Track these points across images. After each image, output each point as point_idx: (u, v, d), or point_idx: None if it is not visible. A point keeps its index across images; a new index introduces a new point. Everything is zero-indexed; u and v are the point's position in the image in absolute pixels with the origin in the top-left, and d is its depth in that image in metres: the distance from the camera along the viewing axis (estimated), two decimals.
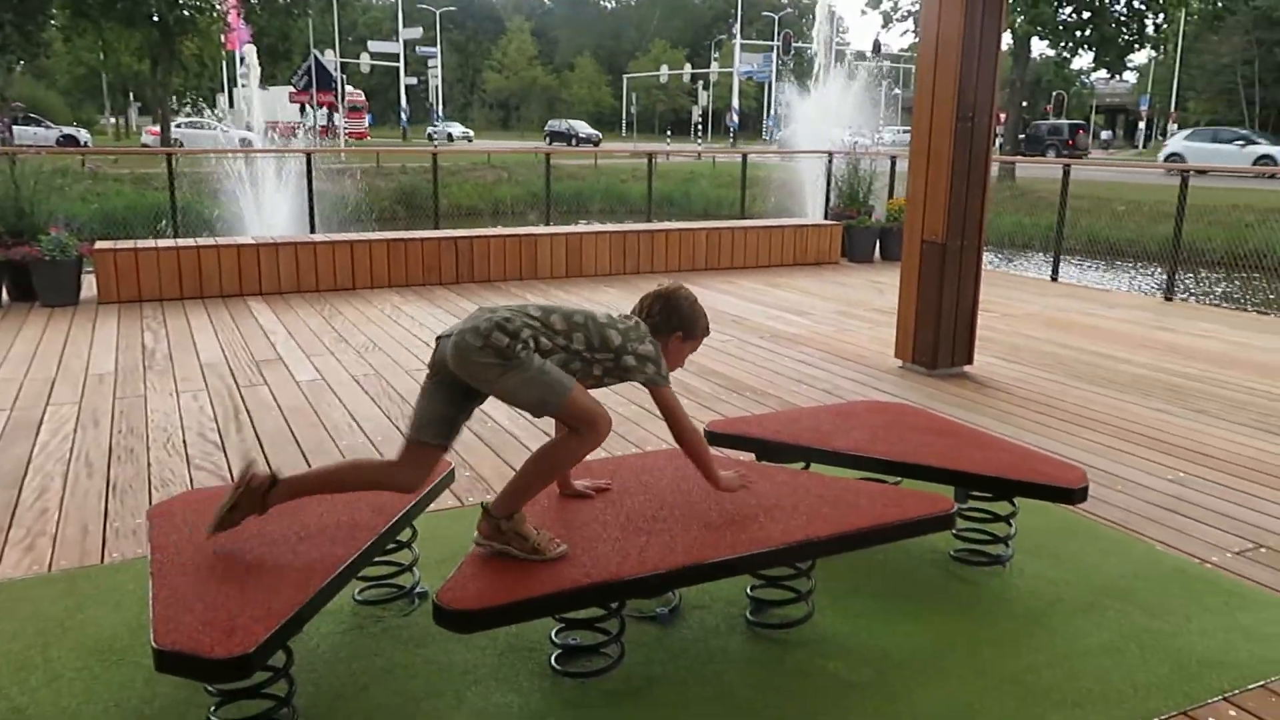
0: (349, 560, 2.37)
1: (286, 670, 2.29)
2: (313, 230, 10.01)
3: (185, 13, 28.86)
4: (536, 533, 2.44)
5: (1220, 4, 34.18)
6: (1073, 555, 3.31)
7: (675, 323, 2.71)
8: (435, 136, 57.48)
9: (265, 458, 4.20)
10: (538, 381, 2.39)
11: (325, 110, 44.64)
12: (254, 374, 5.60)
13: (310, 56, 40.22)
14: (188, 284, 7.91)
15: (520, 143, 54.26)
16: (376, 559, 2.76)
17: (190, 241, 8.25)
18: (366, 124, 58.85)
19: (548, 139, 55.39)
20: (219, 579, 2.26)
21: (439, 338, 2.52)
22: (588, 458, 2.59)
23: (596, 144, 52.29)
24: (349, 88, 62.56)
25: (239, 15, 31.64)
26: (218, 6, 30.07)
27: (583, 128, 57.37)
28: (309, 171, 10.08)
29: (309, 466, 4.08)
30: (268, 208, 12.98)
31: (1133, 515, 3.67)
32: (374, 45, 53.29)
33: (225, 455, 4.23)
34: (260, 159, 13.59)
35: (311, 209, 10.16)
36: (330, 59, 47.25)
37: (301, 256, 8.28)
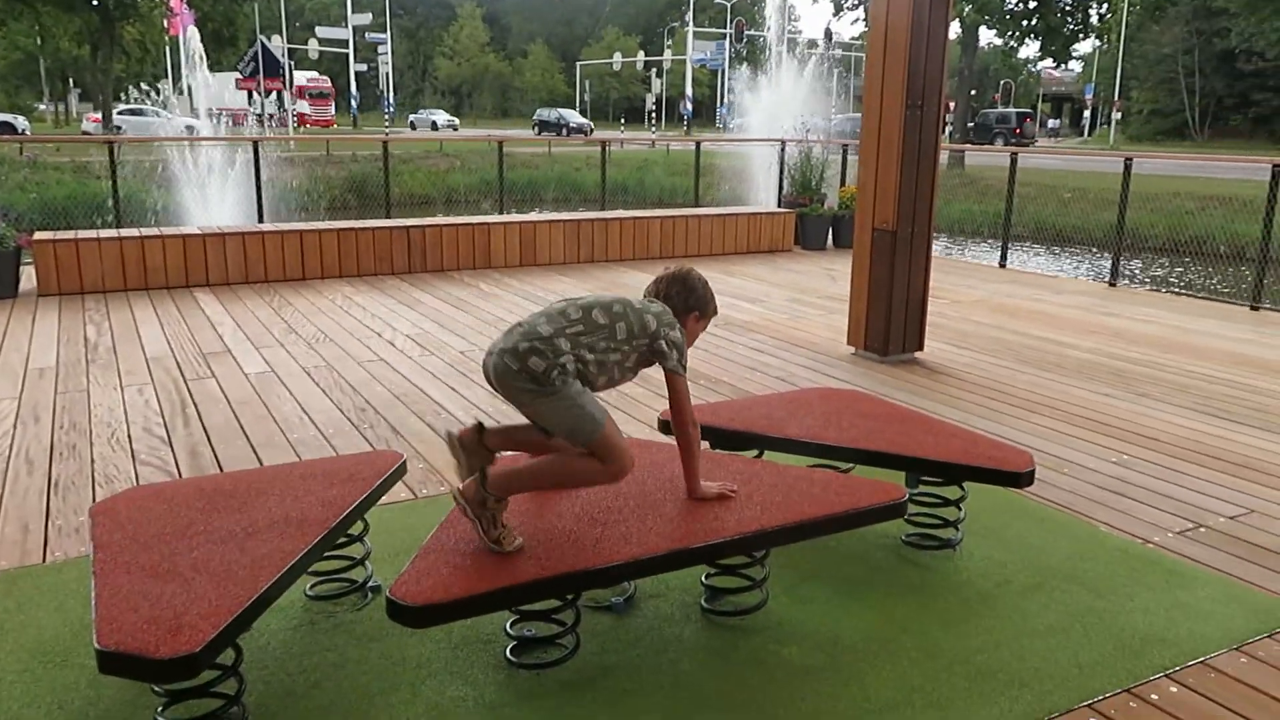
0: (299, 555, 2.34)
1: (235, 668, 2.26)
2: (261, 220, 9.84)
3: None
4: (505, 526, 2.45)
5: None
6: (1020, 537, 3.37)
7: (692, 303, 2.77)
8: (418, 125, 55.76)
9: (213, 451, 4.13)
10: (571, 412, 2.43)
11: (274, 96, 43.90)
12: (201, 367, 5.50)
13: (256, 42, 39.44)
14: (131, 275, 7.73)
15: (512, 131, 52.86)
16: (328, 553, 2.73)
17: (134, 231, 8.06)
18: (333, 111, 57.39)
19: (536, 128, 54.26)
20: (164, 577, 2.22)
21: (486, 354, 2.56)
22: None
23: (588, 133, 51.42)
24: (313, 73, 60.20)
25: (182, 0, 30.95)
26: None
27: (574, 117, 56.23)
28: (256, 160, 9.90)
29: (258, 461, 4.02)
30: (214, 196, 12.74)
31: (1078, 497, 3.75)
32: (322, 31, 52.34)
33: (172, 450, 4.15)
34: (206, 147, 13.34)
35: (260, 198, 9.98)
36: (277, 45, 46.33)
37: (249, 246, 8.14)
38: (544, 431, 2.60)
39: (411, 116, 60.47)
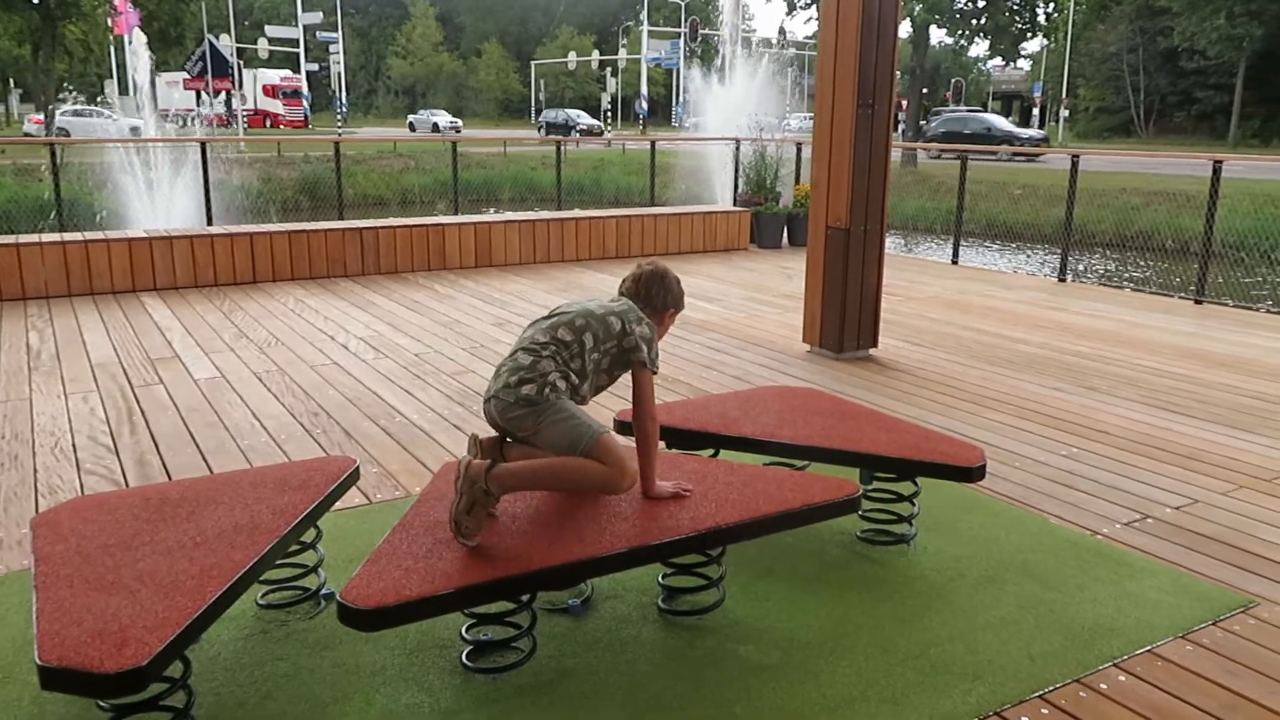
0: (248, 565, 2.30)
1: (184, 681, 2.22)
2: (209, 222, 9.67)
3: None
4: (478, 521, 2.48)
5: None
6: (973, 531, 3.41)
7: (669, 300, 2.92)
8: (418, 126, 53.99)
9: (161, 460, 4.05)
10: (568, 424, 2.56)
11: (223, 96, 43.00)
12: (149, 373, 5.39)
13: (204, 41, 38.77)
14: (76, 280, 7.57)
15: (516, 132, 50.87)
16: (280, 561, 2.69)
17: (78, 236, 7.88)
18: (307, 111, 55.71)
19: (542, 129, 52.73)
20: (109, 590, 2.17)
21: (485, 401, 2.71)
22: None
23: (599, 134, 50.40)
24: (285, 71, 58.28)
25: None
26: None
27: (583, 118, 54.72)
28: (204, 161, 9.74)
29: (209, 469, 3.96)
30: (162, 199, 12.51)
31: (1029, 491, 3.80)
32: (272, 30, 51.48)
33: (118, 458, 4.07)
34: (153, 148, 13.09)
35: (208, 200, 9.82)
36: (226, 44, 45.56)
37: (198, 250, 8.00)
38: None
39: (410, 117, 58.59)
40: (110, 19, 30.63)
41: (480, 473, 2.49)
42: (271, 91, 54.75)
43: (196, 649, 2.59)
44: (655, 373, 2.75)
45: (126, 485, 3.78)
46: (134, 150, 12.88)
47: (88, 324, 6.59)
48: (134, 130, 22.25)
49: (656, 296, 2.88)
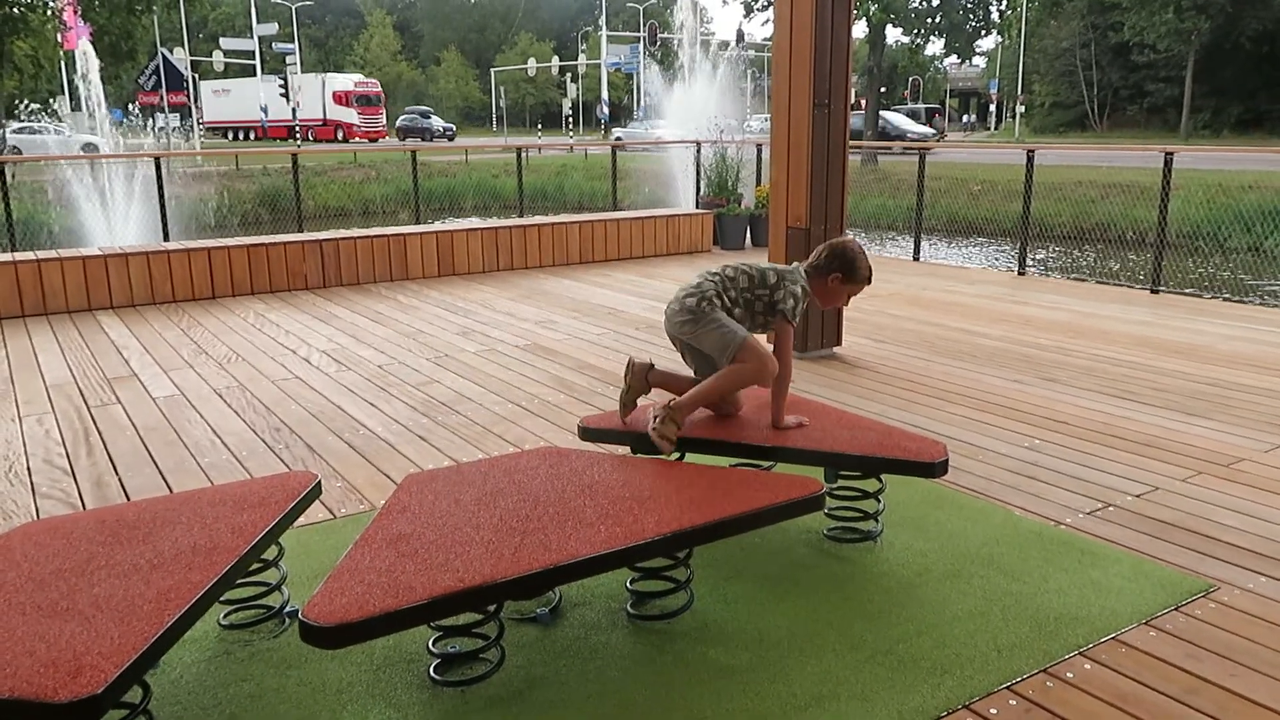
0: (207, 586, 2.26)
1: (144, 707, 2.18)
2: (166, 238, 9.54)
3: (14, 10, 27.03)
4: (674, 434, 3.18)
5: None
6: (938, 526, 3.43)
7: (836, 265, 3.36)
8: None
9: (120, 481, 3.98)
10: (719, 331, 3.23)
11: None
12: (106, 393, 5.30)
13: (158, 55, 38.24)
14: (29, 300, 7.42)
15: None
16: (241, 580, 2.65)
17: (30, 255, 7.74)
18: (384, 121, 50.81)
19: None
20: (63, 616, 2.12)
21: (665, 319, 3.45)
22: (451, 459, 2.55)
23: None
24: (359, 75, 54.10)
25: (75, 12, 29.84)
26: (51, 4, 28.30)
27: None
28: (159, 176, 9.60)
29: (168, 488, 3.89)
30: (118, 215, 12.33)
31: (993, 483, 3.84)
32: (227, 43, 50.92)
33: (75, 481, 3.99)
34: (108, 164, 12.90)
35: (164, 215, 9.69)
36: (180, 57, 44.92)
37: (155, 266, 7.88)
38: (701, 369, 3.38)
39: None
40: (60, 34, 30.11)
41: (642, 371, 3.43)
42: (343, 99, 49.42)
43: (157, 673, 2.54)
44: (793, 324, 3.31)
45: (84, 508, 3.71)
46: (87, 167, 12.70)
47: (42, 345, 6.47)
48: (87, 147, 21.91)
49: (823, 257, 3.36)
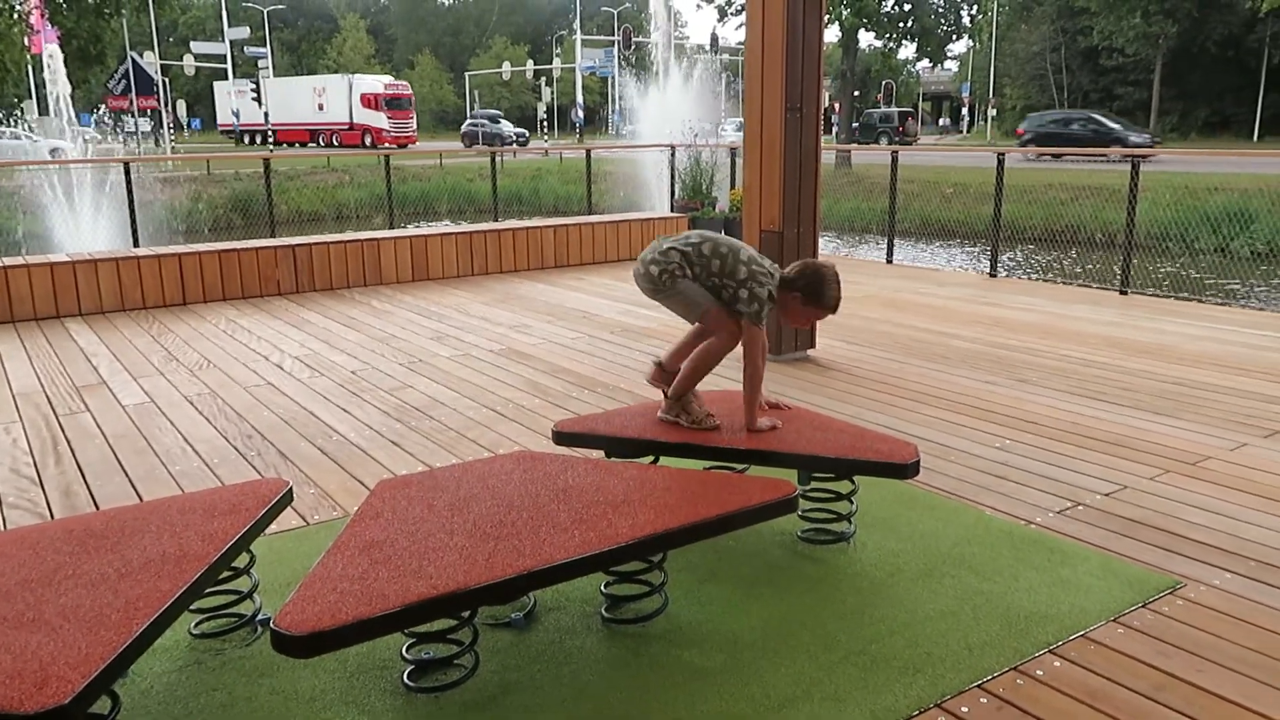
0: (177, 594, 2.24)
1: (113, 717, 2.16)
2: (136, 244, 9.45)
3: None
4: (700, 408, 3.37)
5: None
6: (911, 526, 3.46)
7: (801, 285, 3.34)
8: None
9: (89, 490, 3.93)
10: (681, 301, 3.36)
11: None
12: (74, 401, 5.24)
13: (127, 59, 37.86)
14: None
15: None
16: (213, 589, 2.63)
17: None
18: (415, 125, 48.03)
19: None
20: (29, 627, 2.10)
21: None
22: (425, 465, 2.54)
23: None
24: (387, 78, 50.39)
25: (43, 16, 29.48)
26: (18, 7, 27.93)
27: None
28: (128, 181, 9.51)
29: (138, 497, 3.85)
30: (86, 221, 12.20)
31: (964, 484, 3.87)
32: (198, 46, 50.47)
33: (43, 490, 3.94)
34: (76, 169, 12.77)
35: (134, 221, 9.59)
36: (150, 61, 44.48)
37: (124, 272, 7.80)
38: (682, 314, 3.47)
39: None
40: (27, 38, 29.72)
41: (669, 406, 3.44)
42: (372, 102, 46.59)
43: (126, 683, 2.52)
44: (757, 326, 3.29)
45: (51, 518, 3.66)
46: (55, 172, 12.56)
47: (9, 352, 6.39)
48: (54, 152, 21.65)
49: (795, 274, 3.35)
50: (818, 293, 3.31)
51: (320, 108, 47.08)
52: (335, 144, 46.40)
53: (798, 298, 3.33)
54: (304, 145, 47.57)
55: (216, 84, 55.29)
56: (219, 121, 56.41)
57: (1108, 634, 2.73)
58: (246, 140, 51.44)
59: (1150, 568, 3.13)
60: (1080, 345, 6.23)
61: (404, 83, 49.27)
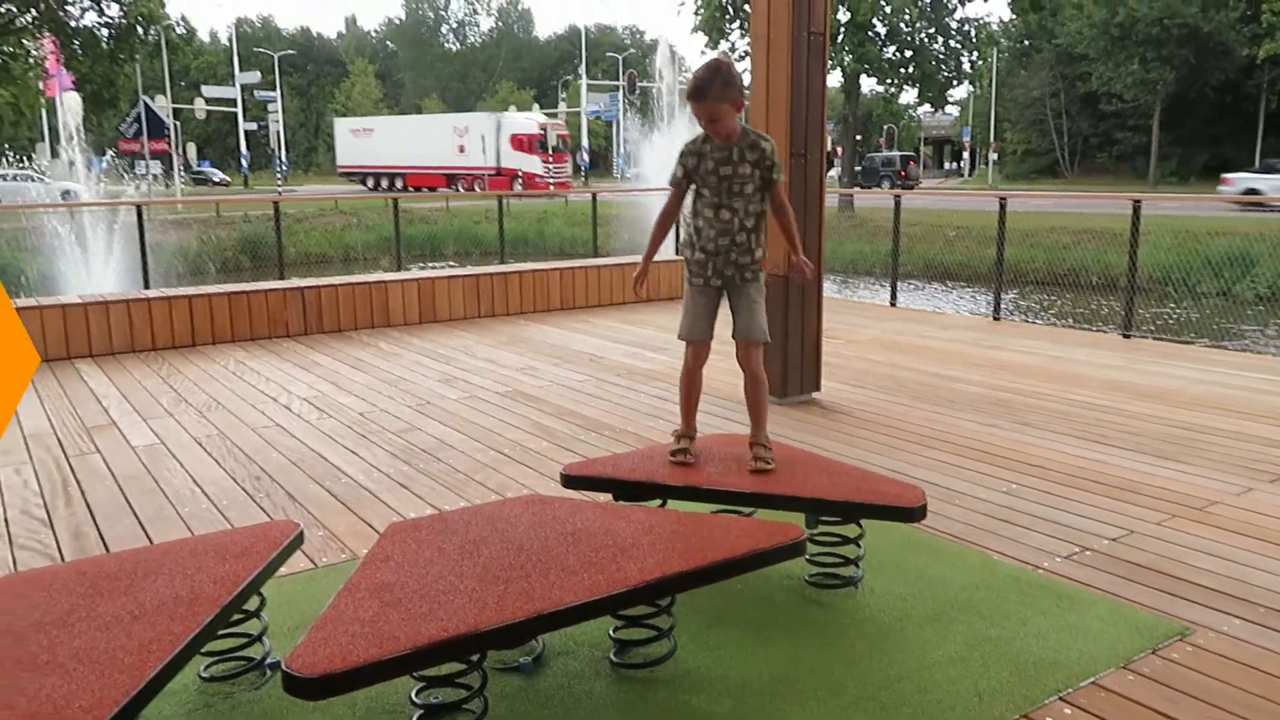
0: (189, 637, 2.26)
1: None
2: (147, 286, 9.54)
3: None
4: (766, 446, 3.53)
5: (1026, 42, 37.14)
6: (918, 570, 3.46)
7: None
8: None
9: (99, 531, 3.95)
10: (761, 309, 3.97)
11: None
12: (84, 442, 5.27)
13: (139, 103, 38.36)
14: None
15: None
16: (222, 631, 2.64)
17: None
18: (571, 169, 44.05)
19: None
20: (43, 670, 2.11)
21: None
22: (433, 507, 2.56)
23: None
24: (542, 116, 45.92)
25: (58, 61, 29.97)
26: (34, 53, 28.41)
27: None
28: (140, 224, 9.62)
29: (148, 538, 3.87)
30: (97, 263, 12.33)
31: (971, 528, 3.88)
32: (209, 90, 51.19)
33: (53, 532, 3.96)
34: (88, 212, 12.92)
35: (145, 263, 9.70)
36: (162, 104, 45.11)
37: (135, 314, 7.87)
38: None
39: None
40: (42, 82, 30.22)
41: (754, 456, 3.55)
42: (524, 143, 41.94)
43: None
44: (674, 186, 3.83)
45: (62, 559, 3.68)
46: (68, 214, 12.71)
47: None
48: (66, 194, 21.90)
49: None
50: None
51: (461, 149, 42.15)
52: (477, 190, 40.86)
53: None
54: (433, 190, 41.24)
55: (337, 120, 50.32)
56: (337, 163, 50.61)
57: (1117, 681, 2.72)
58: (370, 185, 46.33)
59: (1158, 613, 3.12)
60: (1084, 389, 6.25)
61: (560, 122, 44.38)
